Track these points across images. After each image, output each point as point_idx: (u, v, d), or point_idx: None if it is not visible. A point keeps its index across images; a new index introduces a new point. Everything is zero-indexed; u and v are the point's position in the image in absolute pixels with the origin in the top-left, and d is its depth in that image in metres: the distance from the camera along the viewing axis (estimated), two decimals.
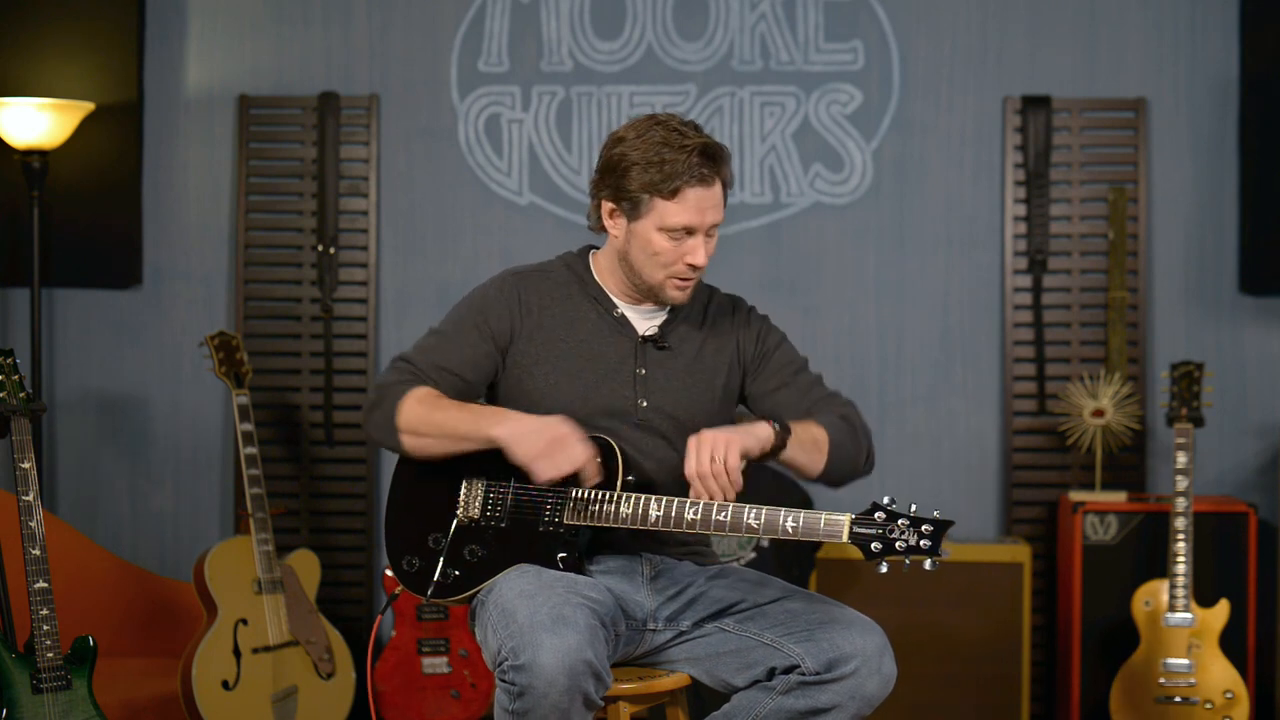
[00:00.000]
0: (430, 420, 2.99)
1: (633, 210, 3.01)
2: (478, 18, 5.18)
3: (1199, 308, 5.08)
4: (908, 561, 2.79)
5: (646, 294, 3.09)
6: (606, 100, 5.14)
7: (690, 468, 2.86)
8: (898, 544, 2.77)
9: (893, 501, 2.80)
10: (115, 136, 5.05)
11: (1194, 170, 5.08)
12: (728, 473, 2.84)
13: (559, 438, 2.92)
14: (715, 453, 2.85)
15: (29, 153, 4.74)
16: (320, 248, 5.13)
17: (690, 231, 2.99)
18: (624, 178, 2.99)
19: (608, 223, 3.07)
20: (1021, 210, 5.08)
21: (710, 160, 2.98)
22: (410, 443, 3.01)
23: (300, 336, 5.18)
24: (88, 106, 4.83)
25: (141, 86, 5.12)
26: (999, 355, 5.12)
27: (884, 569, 2.78)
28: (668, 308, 3.13)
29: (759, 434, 2.91)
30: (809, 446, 2.97)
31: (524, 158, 5.18)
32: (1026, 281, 5.08)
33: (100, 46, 5.02)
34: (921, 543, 2.76)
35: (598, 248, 3.19)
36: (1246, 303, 5.06)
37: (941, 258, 5.14)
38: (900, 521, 2.78)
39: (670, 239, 3.00)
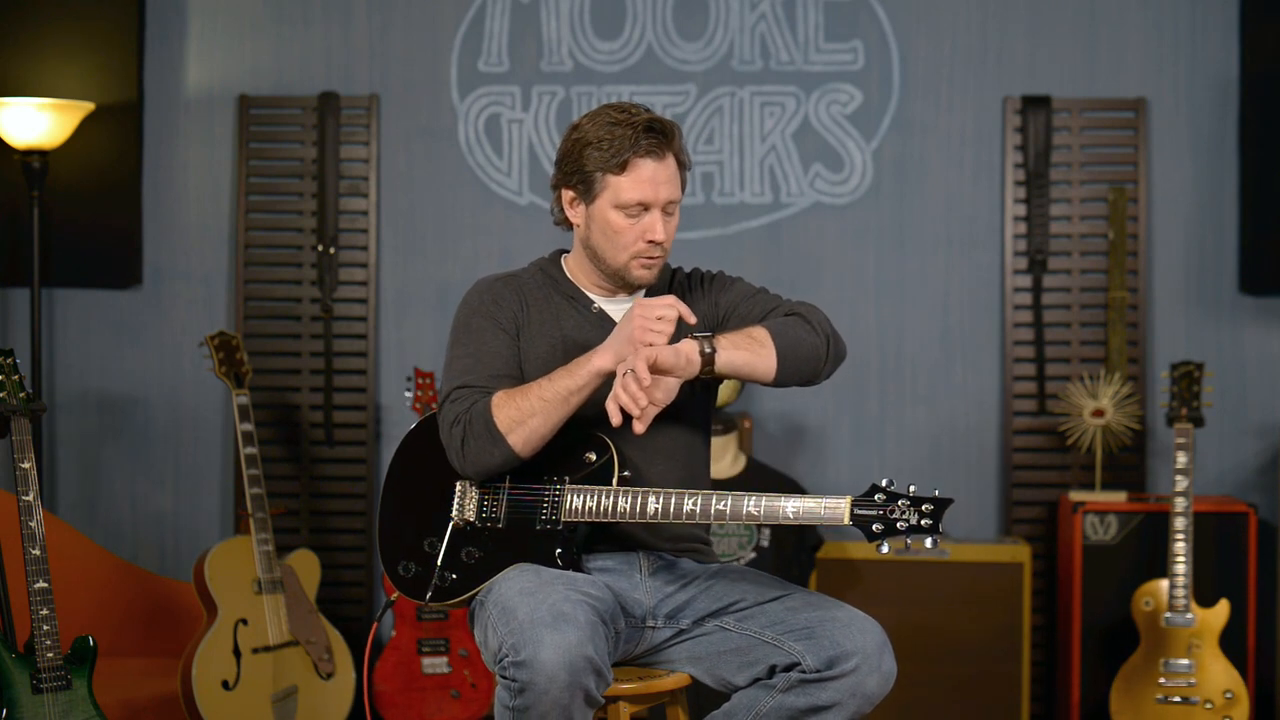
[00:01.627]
0: (526, 405, 2.93)
1: (588, 192, 3.03)
2: (478, 18, 5.18)
3: (1199, 308, 5.08)
4: (909, 542, 2.78)
5: (614, 279, 3.09)
6: (606, 100, 5.13)
7: (613, 401, 2.84)
8: (899, 524, 2.77)
9: (891, 482, 2.80)
10: (115, 136, 5.05)
11: (1194, 170, 5.08)
12: (637, 381, 2.81)
13: (637, 316, 2.88)
14: (626, 368, 2.84)
15: (29, 153, 4.74)
16: (320, 248, 5.13)
17: (646, 207, 3.01)
18: (578, 161, 3.02)
19: (569, 212, 3.09)
20: (1021, 210, 5.08)
21: (657, 134, 3.00)
22: (519, 439, 2.93)
23: (300, 336, 5.18)
24: (88, 106, 4.83)
25: (141, 86, 5.12)
26: (999, 355, 5.12)
27: (885, 549, 2.78)
28: (642, 293, 3.12)
29: (679, 346, 2.86)
30: (745, 344, 2.91)
31: (524, 158, 5.18)
32: (1026, 281, 5.08)
33: (100, 46, 5.02)
34: (923, 522, 2.76)
35: (568, 251, 3.19)
36: (1246, 303, 5.06)
37: (941, 258, 5.14)
38: (900, 502, 2.77)
39: (627, 216, 3.01)
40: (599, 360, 2.92)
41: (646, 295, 3.13)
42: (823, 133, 5.14)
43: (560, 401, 2.93)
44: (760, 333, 2.95)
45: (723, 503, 2.87)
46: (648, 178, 2.99)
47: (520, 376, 3.04)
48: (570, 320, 3.10)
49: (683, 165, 3.06)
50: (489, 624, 2.86)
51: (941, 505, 2.77)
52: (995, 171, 5.13)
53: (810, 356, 2.98)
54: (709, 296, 3.16)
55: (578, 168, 3.02)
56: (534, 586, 2.83)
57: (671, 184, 3.02)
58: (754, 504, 2.85)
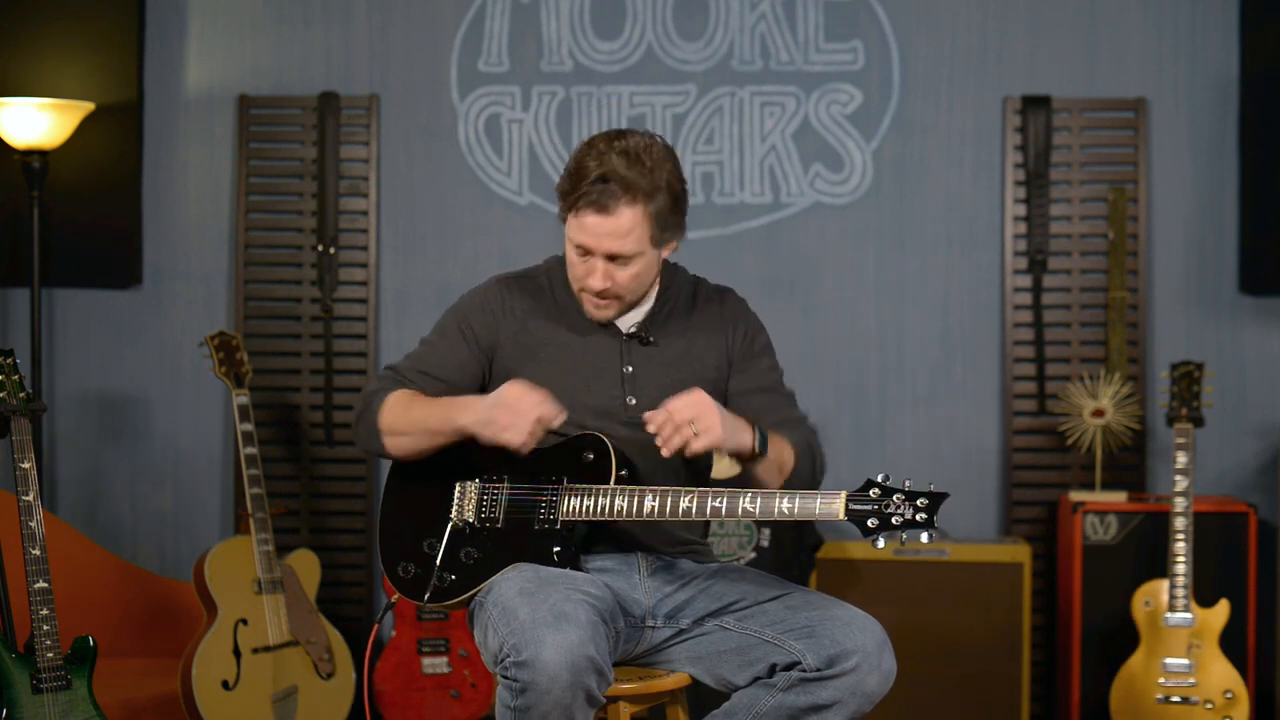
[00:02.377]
0: (407, 418, 3.03)
1: (561, 217, 3.05)
2: (478, 18, 5.18)
3: (1199, 308, 5.08)
4: (904, 536, 2.78)
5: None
6: (606, 100, 5.14)
7: (665, 412, 2.86)
8: (894, 519, 2.77)
9: (887, 477, 2.80)
10: (115, 136, 5.04)
11: (1194, 170, 5.08)
12: (691, 428, 2.84)
13: (511, 402, 2.92)
14: (692, 416, 2.84)
15: (29, 153, 4.74)
16: (320, 248, 5.13)
17: (589, 252, 3.00)
18: (561, 183, 3.03)
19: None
20: (1021, 210, 5.08)
21: (608, 187, 2.94)
22: (391, 444, 3.05)
23: (300, 336, 5.18)
24: (88, 106, 4.83)
25: (141, 86, 5.12)
26: (999, 355, 5.12)
27: (881, 544, 2.78)
28: (649, 301, 3.13)
29: (740, 438, 2.90)
30: (774, 471, 2.98)
31: (524, 158, 5.18)
32: (1026, 281, 5.08)
33: (100, 46, 5.02)
34: (918, 516, 2.76)
35: None
36: (1246, 303, 5.06)
37: (941, 258, 5.14)
38: (895, 497, 2.78)
39: (577, 254, 3.02)
40: (463, 420, 2.95)
41: (661, 304, 3.13)
42: (823, 133, 5.14)
43: (427, 434, 3.01)
44: (789, 467, 2.98)
45: (719, 500, 2.87)
46: (589, 228, 2.97)
47: (454, 387, 3.07)
48: (573, 322, 3.11)
49: (652, 217, 2.98)
50: (489, 624, 2.86)
51: (937, 500, 2.77)
52: (995, 171, 5.12)
53: (795, 485, 3.02)
54: (735, 334, 3.15)
55: (560, 189, 3.04)
56: (534, 586, 2.84)
57: (616, 238, 2.97)
58: (750, 501, 2.86)
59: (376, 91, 5.19)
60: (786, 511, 2.83)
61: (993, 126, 5.12)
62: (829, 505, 2.81)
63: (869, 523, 2.78)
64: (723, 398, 3.12)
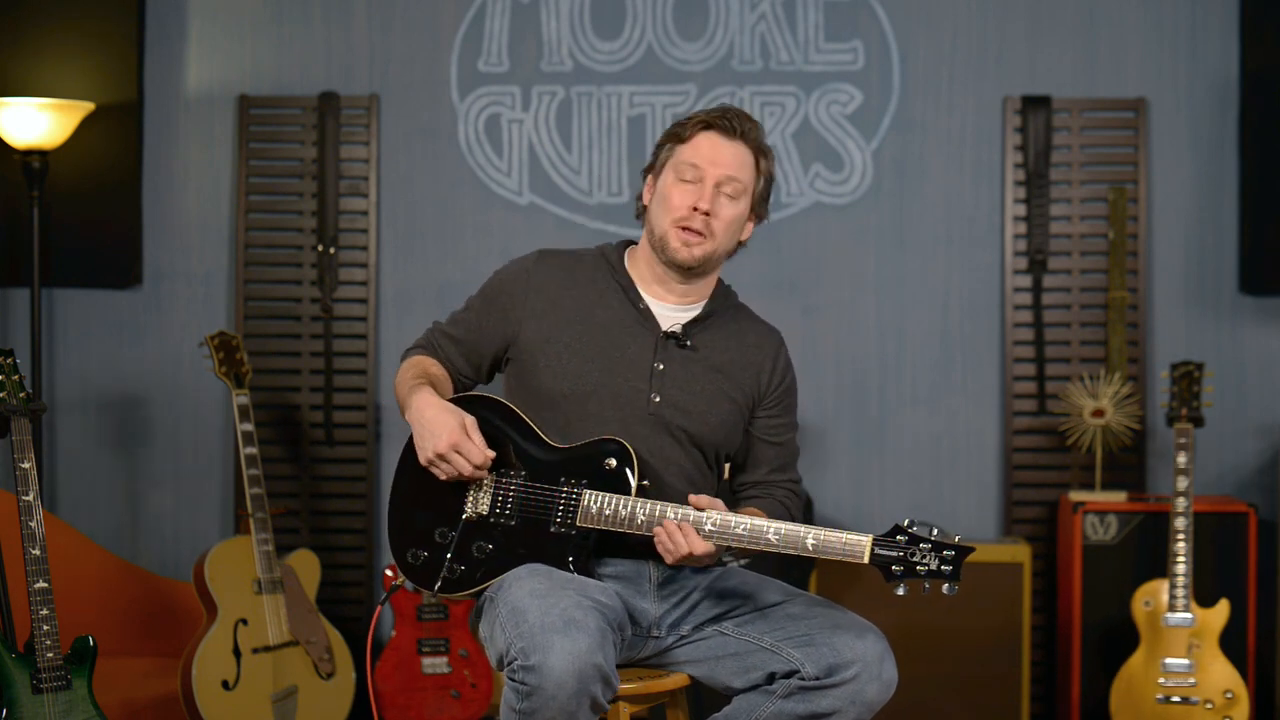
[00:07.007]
0: (398, 387, 3.15)
1: (659, 168, 3.11)
2: (478, 18, 5.18)
3: (1199, 308, 5.08)
4: (927, 585, 2.80)
5: (660, 252, 3.09)
6: (606, 100, 5.14)
7: (682, 546, 2.91)
8: (919, 568, 2.80)
9: (912, 524, 2.81)
10: (115, 136, 5.04)
11: (1194, 170, 5.08)
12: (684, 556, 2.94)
13: (452, 443, 2.98)
14: (695, 555, 2.92)
15: (29, 153, 4.74)
16: (320, 248, 5.13)
17: (700, 176, 3.04)
18: (658, 145, 3.12)
19: (646, 197, 3.15)
20: (1021, 210, 5.08)
21: (728, 113, 3.06)
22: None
23: (300, 336, 5.18)
24: (88, 106, 4.83)
25: (141, 86, 5.12)
26: (999, 355, 5.12)
27: (902, 591, 2.80)
28: (697, 307, 3.12)
29: (705, 555, 2.95)
30: (746, 547, 2.98)
31: (524, 158, 5.18)
32: (1026, 281, 5.08)
33: (100, 46, 5.02)
34: (943, 568, 2.78)
35: (635, 244, 3.21)
36: (1246, 303, 5.06)
37: (941, 258, 5.14)
38: (922, 545, 2.79)
39: (680, 180, 3.05)
40: (407, 416, 3.07)
41: (707, 310, 3.14)
42: (823, 133, 5.14)
43: (401, 410, 3.15)
44: (759, 535, 2.93)
45: (742, 527, 2.88)
46: (705, 148, 3.05)
47: (472, 351, 3.17)
48: (611, 308, 3.11)
49: (761, 154, 3.09)
50: (497, 622, 2.86)
51: (963, 553, 2.80)
52: (995, 171, 5.12)
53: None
54: (774, 371, 3.17)
55: (656, 150, 3.13)
56: (545, 589, 2.83)
57: (732, 165, 3.06)
58: (774, 532, 2.87)
59: (376, 91, 5.19)
60: (811, 548, 2.85)
61: (993, 126, 5.12)
62: (854, 547, 2.83)
63: (894, 569, 2.81)
64: (743, 420, 3.16)
